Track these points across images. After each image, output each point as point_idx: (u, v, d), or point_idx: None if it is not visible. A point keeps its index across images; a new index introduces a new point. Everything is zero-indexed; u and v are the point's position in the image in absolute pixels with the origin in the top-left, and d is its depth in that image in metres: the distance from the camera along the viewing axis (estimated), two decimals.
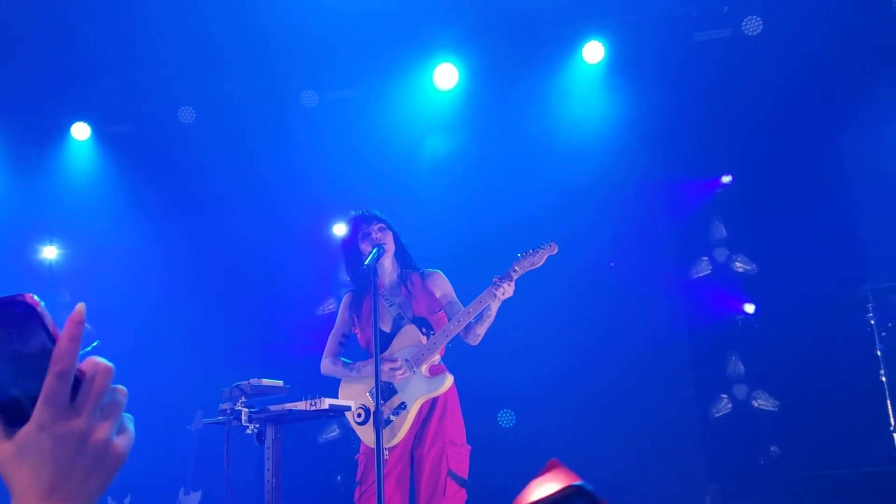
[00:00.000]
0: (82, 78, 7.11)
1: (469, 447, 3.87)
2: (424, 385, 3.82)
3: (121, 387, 0.93)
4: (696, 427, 6.53)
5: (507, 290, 3.68)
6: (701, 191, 6.86)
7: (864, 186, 6.52)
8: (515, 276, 3.70)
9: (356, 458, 3.94)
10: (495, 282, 3.68)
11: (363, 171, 7.03)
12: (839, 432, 5.82)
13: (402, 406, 3.79)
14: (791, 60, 6.43)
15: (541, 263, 3.71)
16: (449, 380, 3.84)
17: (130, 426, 0.95)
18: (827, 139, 6.57)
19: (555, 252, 3.69)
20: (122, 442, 0.91)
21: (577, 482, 1.14)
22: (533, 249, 3.71)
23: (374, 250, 3.82)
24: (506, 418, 6.63)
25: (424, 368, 3.84)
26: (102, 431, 0.86)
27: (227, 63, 6.91)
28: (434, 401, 3.85)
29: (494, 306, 3.76)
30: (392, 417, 3.75)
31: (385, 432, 3.75)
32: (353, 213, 4.16)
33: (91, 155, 7.66)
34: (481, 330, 3.85)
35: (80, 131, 7.52)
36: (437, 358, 3.88)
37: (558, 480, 1.42)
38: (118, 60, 6.88)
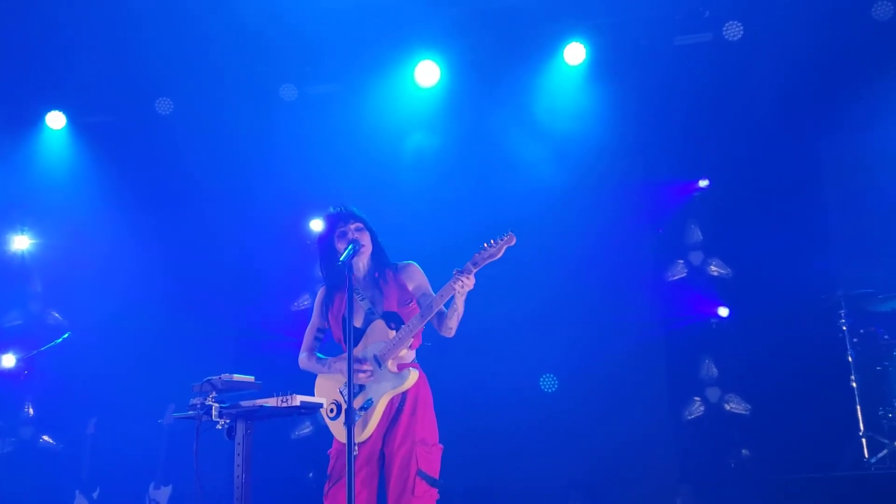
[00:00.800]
0: (58, 66, 7.01)
1: (441, 447, 3.84)
2: (390, 381, 3.80)
3: None
4: (668, 429, 6.57)
5: (467, 283, 3.67)
6: (678, 194, 6.89)
7: (839, 193, 6.58)
8: (475, 269, 3.68)
9: (328, 452, 3.92)
10: (455, 275, 3.68)
11: (342, 166, 7.00)
12: (810, 436, 5.87)
13: (369, 402, 3.77)
14: (770, 66, 6.47)
15: (500, 255, 3.69)
16: (414, 374, 3.81)
17: None
18: (804, 145, 6.63)
19: (513, 243, 3.68)
20: None
21: None
22: (492, 241, 3.70)
23: (350, 246, 3.80)
24: (482, 417, 6.63)
25: (391, 364, 3.82)
26: None
27: (206, 54, 6.84)
28: (403, 398, 3.82)
29: (458, 300, 3.75)
30: (360, 413, 3.73)
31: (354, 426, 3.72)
32: (331, 210, 4.12)
33: (66, 144, 7.56)
34: (452, 323, 3.84)
35: (55, 120, 7.41)
36: (405, 353, 3.86)
37: None
38: (96, 49, 6.79)
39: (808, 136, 6.61)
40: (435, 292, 3.88)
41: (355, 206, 4.09)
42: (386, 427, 3.81)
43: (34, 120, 7.46)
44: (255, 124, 7.28)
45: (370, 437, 3.77)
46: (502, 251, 3.68)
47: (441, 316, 3.84)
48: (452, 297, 3.72)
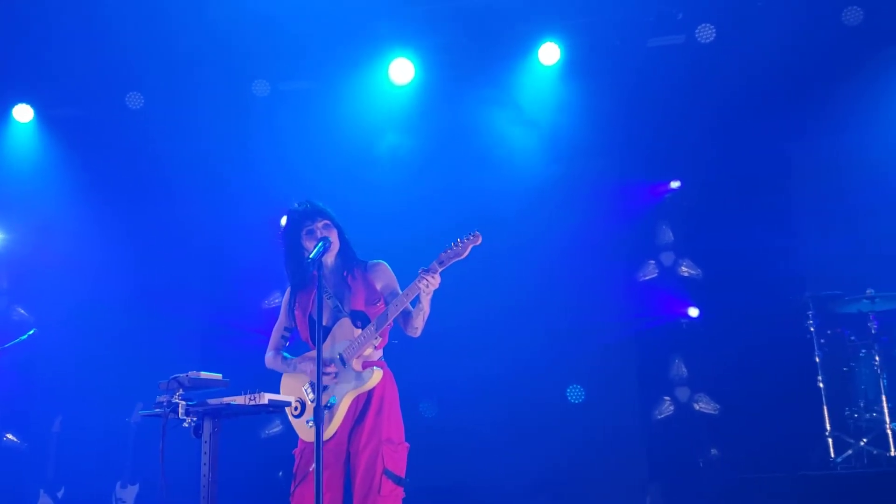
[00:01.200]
0: (25, 58, 6.89)
1: (407, 445, 3.82)
2: (353, 380, 3.78)
3: None
4: (638, 428, 6.60)
5: (432, 282, 3.65)
6: (650, 195, 6.93)
7: (808, 196, 6.66)
8: (441, 268, 3.66)
9: (293, 452, 3.89)
10: (420, 274, 3.65)
11: (315, 163, 6.95)
12: (777, 436, 5.94)
13: (333, 401, 3.74)
14: (742, 69, 6.53)
15: (466, 254, 3.67)
16: (377, 374, 3.78)
17: None
18: (774, 148, 6.69)
19: (479, 242, 3.66)
20: None
21: None
22: (459, 240, 3.68)
23: (320, 244, 3.76)
24: (445, 415, 6.62)
25: (356, 363, 3.79)
26: None
27: (178, 49, 6.76)
28: (368, 396, 3.79)
29: (424, 299, 3.72)
30: (324, 411, 3.71)
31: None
32: (296, 205, 4.05)
33: (33, 138, 7.43)
34: (418, 323, 3.82)
35: (23, 113, 7.29)
36: (370, 352, 3.83)
37: None
38: (65, 41, 6.69)
39: (778, 138, 6.67)
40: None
41: (321, 202, 4.03)
42: (351, 426, 3.79)
43: (1, 113, 7.33)
44: (227, 120, 7.20)
45: (334, 435, 3.75)
46: (468, 250, 3.66)
47: (407, 315, 3.81)
48: (418, 297, 3.70)
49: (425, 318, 3.80)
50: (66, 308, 7.17)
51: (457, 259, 3.65)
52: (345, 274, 3.96)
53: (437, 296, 3.76)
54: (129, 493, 6.56)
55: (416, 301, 3.74)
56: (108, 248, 7.29)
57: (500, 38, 6.86)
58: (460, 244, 3.65)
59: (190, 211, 7.39)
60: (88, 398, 6.78)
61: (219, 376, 3.60)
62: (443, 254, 3.66)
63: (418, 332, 3.85)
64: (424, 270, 3.64)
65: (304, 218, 3.96)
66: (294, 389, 3.87)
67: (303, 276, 3.97)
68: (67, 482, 6.78)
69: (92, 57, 6.86)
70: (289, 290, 4.11)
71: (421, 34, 6.86)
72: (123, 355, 6.88)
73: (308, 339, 3.96)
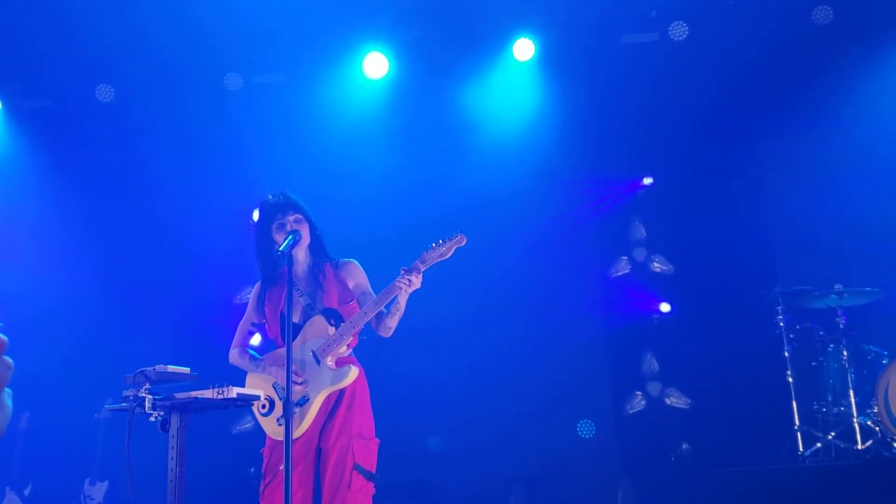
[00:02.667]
0: None
1: (378, 441, 3.80)
2: (329, 377, 3.73)
3: (6, 359, 0.84)
4: (610, 423, 6.64)
5: (414, 282, 3.61)
6: (623, 191, 6.97)
7: (777, 193, 6.72)
8: (423, 268, 3.63)
9: (261, 451, 3.85)
10: (402, 273, 3.62)
11: (288, 157, 6.90)
12: (747, 430, 5.99)
13: (305, 398, 3.70)
14: (715, 67, 6.59)
15: (449, 255, 3.65)
16: (353, 372, 3.75)
17: (9, 401, 0.86)
18: (745, 145, 6.75)
19: (463, 244, 3.65)
20: None
21: None
22: (441, 241, 3.65)
23: (290, 237, 3.72)
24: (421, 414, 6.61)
25: (330, 360, 3.76)
26: None
27: (149, 41, 6.68)
28: (340, 393, 3.76)
29: (402, 298, 3.68)
30: (295, 409, 3.66)
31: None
32: (270, 197, 4.00)
33: (1, 129, 7.31)
34: (392, 322, 3.77)
35: None
36: (344, 349, 3.80)
37: None
38: (34, 31, 6.59)
39: (749, 135, 6.73)
40: (375, 289, 3.82)
41: (295, 195, 3.99)
42: (322, 422, 3.76)
43: None
44: (198, 113, 7.13)
45: (305, 432, 3.72)
46: (452, 251, 3.64)
47: (381, 315, 3.77)
48: (396, 296, 3.67)
49: (399, 318, 3.77)
50: (33, 302, 7.06)
51: (440, 259, 3.64)
52: (316, 271, 3.92)
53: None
54: (98, 490, 6.48)
55: (391, 300, 3.70)
56: (77, 242, 7.20)
57: (474, 33, 6.86)
58: (444, 244, 3.63)
59: (160, 204, 7.31)
60: (56, 394, 6.67)
61: (186, 370, 3.55)
62: (425, 253, 3.63)
63: (391, 332, 3.81)
64: (407, 270, 3.61)
65: (275, 210, 3.92)
66: (262, 386, 3.82)
67: (273, 270, 3.93)
68: (35, 479, 6.68)
69: (62, 48, 6.77)
70: (258, 284, 4.06)
71: (395, 28, 6.83)
72: (92, 351, 6.78)
73: (277, 336, 3.91)
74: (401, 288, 3.62)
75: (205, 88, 7.11)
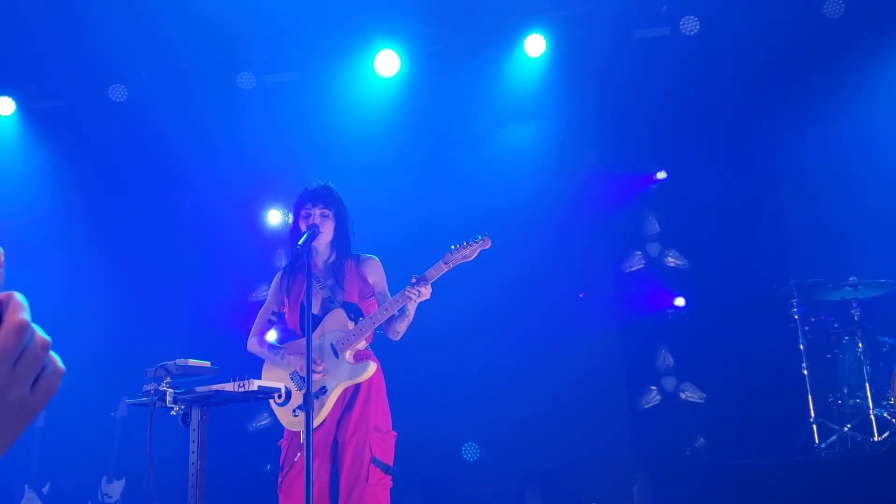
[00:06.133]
0: (6, 49, 6.82)
1: (395, 434, 3.82)
2: (347, 371, 3.76)
3: (41, 336, 0.84)
4: (625, 418, 6.63)
5: (424, 292, 3.64)
6: (636, 186, 6.96)
7: (791, 186, 6.71)
8: (446, 267, 3.64)
9: (279, 443, 3.87)
10: (413, 283, 3.65)
11: (301, 156, 6.93)
12: (763, 424, 5.98)
13: (323, 390, 3.73)
14: (727, 61, 6.58)
15: (473, 257, 3.67)
16: (372, 367, 3.78)
17: (55, 365, 0.86)
18: (759, 138, 6.74)
19: (488, 246, 3.67)
20: (41, 393, 0.83)
21: None
22: (466, 242, 3.67)
23: (307, 232, 3.76)
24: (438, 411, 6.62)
25: (349, 354, 3.78)
26: (17, 389, 0.79)
27: (161, 40, 6.72)
28: (357, 387, 3.79)
29: (411, 307, 3.73)
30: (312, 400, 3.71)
31: (303, 416, 3.69)
32: (309, 185, 4.04)
33: (15, 130, 7.36)
34: (401, 328, 3.81)
35: (4, 106, 7.22)
36: (363, 344, 3.83)
37: None
38: (47, 32, 6.62)
39: (762, 128, 6.72)
40: (391, 291, 3.85)
41: (335, 187, 4.02)
42: (339, 415, 3.78)
43: None
44: (211, 112, 7.16)
45: (322, 424, 3.74)
46: (476, 253, 3.67)
47: (391, 319, 3.81)
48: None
49: (408, 324, 3.82)
50: (48, 301, 7.10)
51: (463, 261, 3.66)
52: (337, 266, 3.95)
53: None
54: (115, 487, 6.51)
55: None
56: (92, 241, 7.24)
57: (485, 29, 6.87)
58: (468, 246, 3.65)
59: (174, 203, 7.35)
60: (73, 393, 6.67)
61: (207, 363, 3.58)
62: (448, 254, 3.66)
63: (399, 337, 3.86)
64: (417, 280, 3.64)
65: (305, 200, 3.97)
66: (278, 377, 3.85)
67: (294, 259, 3.97)
68: (53, 478, 6.73)
69: (75, 49, 6.80)
70: (280, 273, 4.10)
71: (406, 26, 6.85)
72: (108, 350, 6.82)
73: (296, 326, 3.94)
74: (410, 298, 3.65)
75: (217, 87, 7.14)
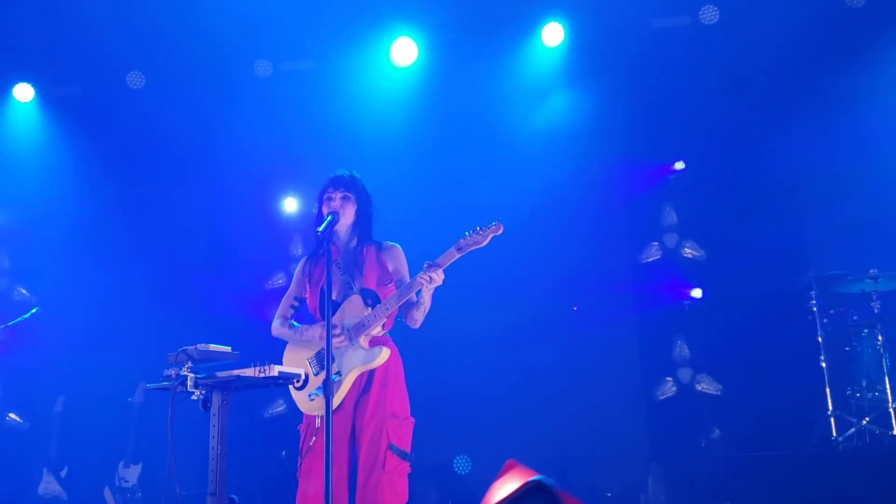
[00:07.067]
0: (25, 36, 6.85)
1: (412, 420, 3.82)
2: (361, 357, 3.77)
3: None
4: (640, 409, 6.62)
5: (436, 278, 3.63)
6: (654, 176, 6.93)
7: (810, 177, 6.65)
8: (459, 254, 3.63)
9: (298, 427, 3.89)
10: (425, 268, 3.65)
11: (318, 144, 6.93)
12: (780, 416, 5.95)
13: (337, 374, 3.74)
14: (747, 52, 6.53)
15: (485, 243, 3.66)
16: (385, 353, 3.78)
17: None
18: (778, 130, 6.68)
19: (500, 232, 3.66)
20: None
21: (535, 478, 1.12)
22: (479, 228, 3.67)
23: (328, 218, 3.76)
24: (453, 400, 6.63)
25: (363, 340, 3.79)
26: None
27: (180, 28, 6.72)
28: (372, 373, 3.80)
29: (426, 293, 3.71)
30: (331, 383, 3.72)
31: (319, 400, 3.70)
32: (335, 172, 4.06)
33: (34, 117, 7.40)
34: (417, 314, 3.81)
35: (23, 92, 7.26)
36: (378, 330, 3.83)
37: (517, 479, 1.40)
38: (65, 19, 6.65)
39: (782, 119, 6.66)
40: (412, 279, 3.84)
41: (358, 174, 4.04)
42: (356, 400, 3.79)
43: (1, 92, 7.29)
44: (229, 100, 7.17)
45: (339, 409, 3.75)
46: (488, 239, 3.66)
47: (409, 306, 3.82)
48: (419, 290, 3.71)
49: (425, 312, 3.81)
50: (67, 288, 7.15)
51: (476, 247, 3.66)
52: (357, 251, 3.97)
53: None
54: (132, 472, 6.57)
55: (418, 292, 3.74)
56: (111, 228, 7.27)
57: (503, 18, 6.84)
58: (480, 232, 3.65)
59: (192, 191, 7.38)
60: (91, 378, 6.77)
61: (228, 349, 3.59)
62: (462, 240, 3.66)
63: (417, 325, 3.86)
64: (429, 266, 3.64)
65: (329, 185, 4.01)
66: (297, 361, 3.87)
67: (316, 245, 3.99)
68: (70, 462, 6.79)
69: (93, 36, 6.82)
70: (304, 258, 4.13)
71: (423, 14, 6.83)
72: (126, 335, 6.87)
73: (316, 310, 3.97)
74: (422, 284, 3.65)
75: (234, 75, 7.15)
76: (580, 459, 6.42)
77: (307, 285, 4.02)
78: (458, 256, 3.66)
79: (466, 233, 3.67)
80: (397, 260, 3.97)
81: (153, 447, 6.30)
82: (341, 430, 3.77)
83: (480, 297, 6.40)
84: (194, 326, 7.12)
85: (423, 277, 3.64)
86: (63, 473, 6.74)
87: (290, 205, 7.32)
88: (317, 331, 3.85)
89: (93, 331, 6.99)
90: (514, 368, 6.47)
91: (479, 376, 6.44)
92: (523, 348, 6.48)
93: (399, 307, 3.81)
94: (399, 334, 4.01)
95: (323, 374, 3.74)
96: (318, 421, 3.74)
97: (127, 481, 6.56)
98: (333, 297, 3.81)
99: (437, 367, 6.20)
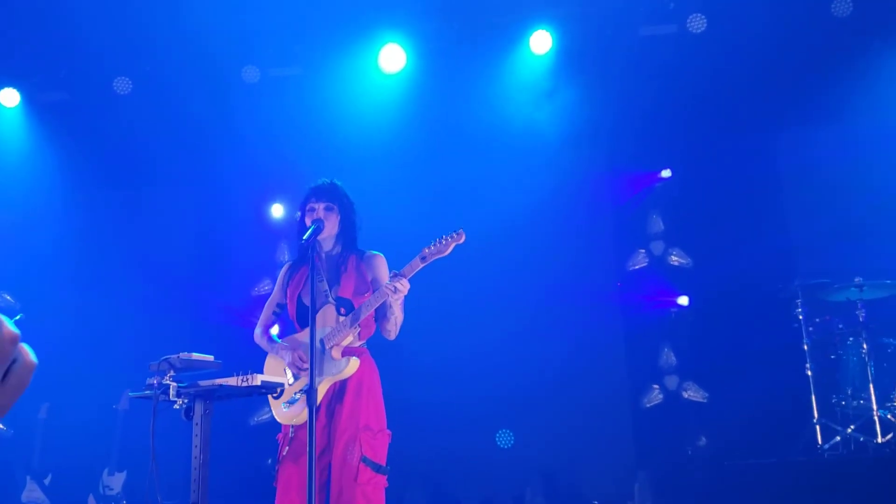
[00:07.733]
0: (11, 41, 6.81)
1: (389, 433, 3.77)
2: (329, 367, 3.75)
3: (8, 329, 0.81)
4: (627, 416, 6.62)
5: (400, 288, 3.59)
6: (641, 184, 6.95)
7: (796, 185, 6.69)
8: (423, 264, 3.60)
9: (277, 437, 3.87)
10: (391, 277, 3.63)
11: (305, 150, 6.91)
12: (765, 424, 5.97)
13: (300, 392, 3.73)
14: (733, 60, 6.55)
15: (447, 252, 3.64)
16: (353, 363, 3.72)
17: (25, 359, 0.84)
18: (764, 138, 6.72)
19: (462, 241, 3.63)
20: (10, 387, 0.81)
21: None
22: (443, 237, 3.65)
23: (312, 227, 3.75)
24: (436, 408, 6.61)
25: (335, 350, 3.76)
26: None
27: (167, 33, 6.69)
28: (343, 384, 3.77)
29: (394, 304, 3.68)
30: (297, 396, 3.71)
31: (292, 409, 3.72)
32: (316, 181, 4.04)
33: (20, 122, 7.36)
34: (390, 326, 3.77)
35: (9, 97, 7.21)
36: (350, 340, 3.79)
37: None
38: (51, 24, 6.61)
39: (767, 127, 6.71)
40: None
41: (341, 183, 4.02)
42: (329, 411, 3.77)
43: None
44: (216, 106, 7.14)
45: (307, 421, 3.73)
46: (450, 248, 3.63)
47: (381, 317, 3.80)
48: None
49: (398, 324, 3.77)
50: (51, 294, 7.10)
51: (439, 256, 3.63)
52: (339, 261, 3.95)
53: (425, 282, 3.73)
54: (117, 480, 6.52)
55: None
56: (96, 234, 7.24)
57: (491, 26, 6.84)
58: (443, 242, 3.63)
59: (178, 197, 7.35)
60: (75, 385, 6.72)
61: (210, 357, 3.57)
62: (426, 249, 3.64)
63: (391, 336, 3.83)
64: (394, 276, 3.62)
65: (311, 195, 3.98)
66: (277, 369, 3.86)
67: (299, 253, 3.98)
68: (54, 469, 6.74)
69: (80, 41, 6.78)
70: (287, 265, 4.11)
71: (412, 22, 6.82)
72: (110, 342, 6.83)
73: (294, 318, 3.95)
74: (388, 293, 3.61)
75: (222, 81, 7.12)
76: (567, 467, 6.42)
77: (288, 291, 4.01)
78: (422, 266, 3.63)
79: (431, 242, 3.65)
80: (376, 269, 3.93)
81: (138, 455, 6.25)
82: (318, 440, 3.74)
83: (466, 305, 6.40)
84: (180, 333, 7.09)
85: (387, 287, 3.61)
86: (47, 481, 6.68)
87: (277, 211, 7.31)
88: (287, 355, 3.82)
89: (78, 337, 6.94)
90: (500, 375, 6.45)
91: (466, 384, 6.42)
92: (510, 355, 6.47)
93: (376, 319, 3.79)
94: (381, 347, 3.98)
95: (298, 384, 3.73)
96: (291, 430, 3.74)
97: (111, 489, 6.51)
98: (309, 305, 3.79)
99: (424, 375, 6.18)
